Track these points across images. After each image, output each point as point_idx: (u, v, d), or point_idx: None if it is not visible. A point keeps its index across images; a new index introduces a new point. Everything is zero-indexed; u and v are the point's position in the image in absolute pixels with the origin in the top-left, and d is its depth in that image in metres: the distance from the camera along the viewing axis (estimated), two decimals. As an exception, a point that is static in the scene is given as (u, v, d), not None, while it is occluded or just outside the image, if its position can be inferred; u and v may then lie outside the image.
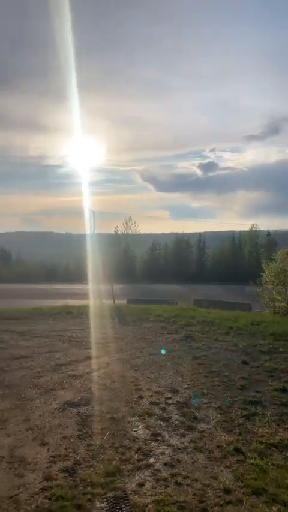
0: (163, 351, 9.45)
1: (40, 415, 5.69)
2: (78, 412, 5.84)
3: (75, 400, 6.30)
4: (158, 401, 6.32)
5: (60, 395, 6.49)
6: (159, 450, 4.73)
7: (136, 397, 6.50)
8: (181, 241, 56.74)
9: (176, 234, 58.69)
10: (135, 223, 55.50)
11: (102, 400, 6.34)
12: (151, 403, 6.27)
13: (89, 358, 8.91)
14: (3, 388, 6.85)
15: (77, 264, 49.28)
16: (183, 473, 4.24)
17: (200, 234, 58.03)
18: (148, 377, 7.57)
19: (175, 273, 50.85)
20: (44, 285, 39.12)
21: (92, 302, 20.87)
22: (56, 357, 8.97)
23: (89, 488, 3.90)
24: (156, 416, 5.73)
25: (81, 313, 15.53)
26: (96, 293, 27.56)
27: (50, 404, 6.11)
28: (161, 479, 4.11)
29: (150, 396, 6.55)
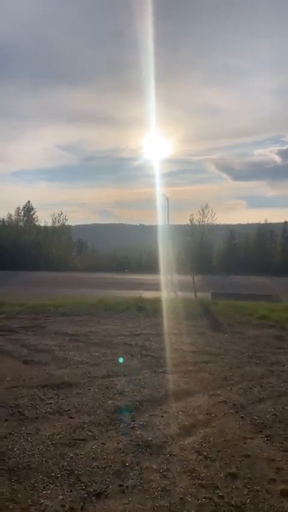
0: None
1: None
2: None
3: None
4: None
5: (116, 519, 2.80)
6: None
7: None
8: (263, 230, 51.88)
9: (258, 224, 53.94)
10: (212, 210, 50.42)
11: None
12: None
13: (172, 395, 5.17)
14: (6, 472, 3.34)
15: (150, 255, 46.74)
16: None
17: (286, 222, 52.46)
18: (299, 460, 3.60)
19: (256, 264, 45.81)
20: (116, 274, 36.43)
21: (166, 294, 17.20)
22: (117, 388, 5.36)
23: None
24: None
25: (156, 309, 11.89)
26: (169, 284, 24.05)
27: None
28: None
29: None
